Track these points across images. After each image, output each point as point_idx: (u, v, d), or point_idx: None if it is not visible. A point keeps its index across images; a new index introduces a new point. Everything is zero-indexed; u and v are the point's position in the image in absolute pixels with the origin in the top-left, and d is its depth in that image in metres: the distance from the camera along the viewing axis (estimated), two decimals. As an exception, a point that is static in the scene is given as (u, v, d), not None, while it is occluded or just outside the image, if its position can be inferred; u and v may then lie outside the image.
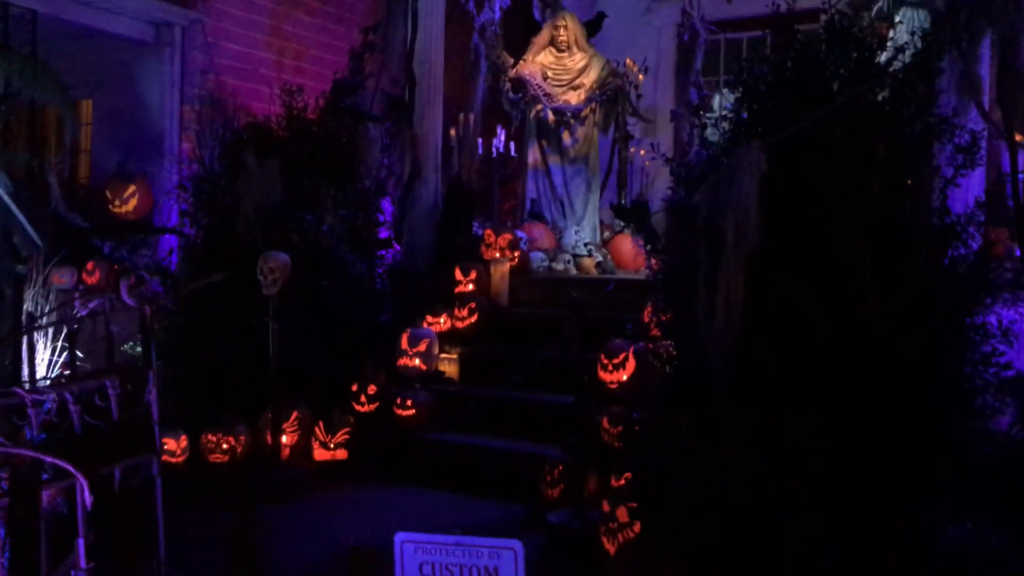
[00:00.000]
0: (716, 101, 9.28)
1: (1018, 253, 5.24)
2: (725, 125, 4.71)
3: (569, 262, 7.62)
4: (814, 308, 4.06)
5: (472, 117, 7.42)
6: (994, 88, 4.23)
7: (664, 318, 5.55)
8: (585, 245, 7.77)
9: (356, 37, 10.61)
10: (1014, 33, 4.18)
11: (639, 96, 8.40)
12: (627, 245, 8.04)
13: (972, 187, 4.95)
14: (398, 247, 7.34)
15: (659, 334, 5.54)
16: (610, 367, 5.51)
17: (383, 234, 7.16)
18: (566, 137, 7.86)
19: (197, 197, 6.43)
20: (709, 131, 5.12)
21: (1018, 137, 5.03)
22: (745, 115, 4.63)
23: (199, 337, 6.09)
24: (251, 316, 5.66)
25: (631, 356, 5.48)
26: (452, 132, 7.66)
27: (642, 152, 8.98)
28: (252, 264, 5.69)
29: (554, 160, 7.91)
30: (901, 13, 6.57)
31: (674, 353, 4.81)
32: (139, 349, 5.55)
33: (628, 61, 8.24)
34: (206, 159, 6.88)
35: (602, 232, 8.17)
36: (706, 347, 4.13)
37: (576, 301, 5.03)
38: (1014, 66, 4.25)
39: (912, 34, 4.42)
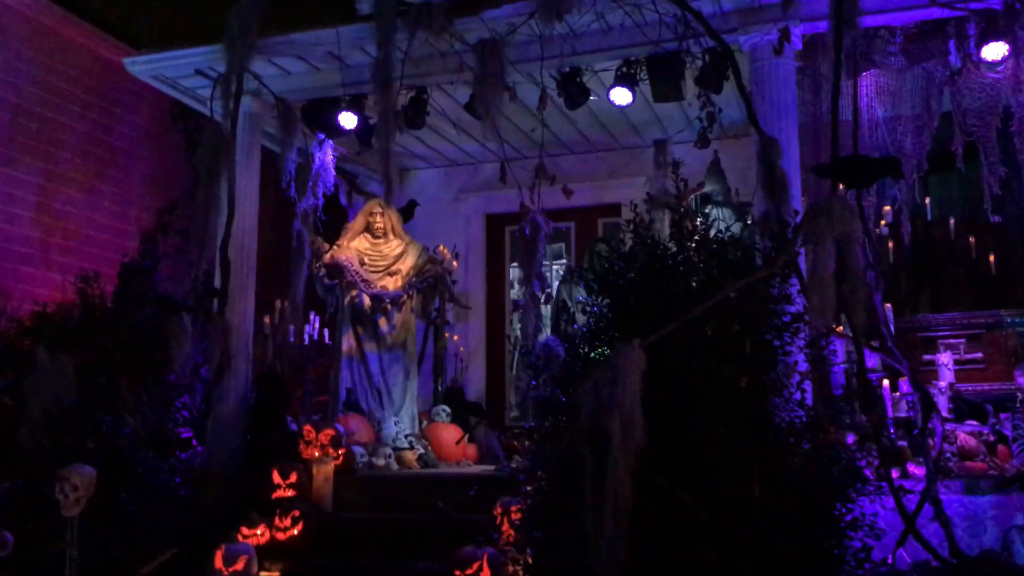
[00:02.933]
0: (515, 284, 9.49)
1: (850, 440, 5.47)
2: (583, 317, 4.66)
3: (390, 456, 7.14)
4: (700, 508, 3.93)
5: (289, 304, 6.97)
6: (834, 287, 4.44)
7: (515, 518, 5.27)
8: (406, 436, 7.36)
9: (145, 218, 9.97)
10: (850, 237, 4.44)
11: (454, 282, 8.34)
12: (448, 435, 7.72)
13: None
14: (200, 447, 6.59)
15: (512, 537, 5.21)
16: (463, 579, 5.05)
17: (185, 434, 6.41)
18: (383, 324, 7.57)
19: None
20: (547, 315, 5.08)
21: (839, 328, 5.35)
22: (597, 308, 4.59)
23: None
24: (40, 541, 4.73)
25: (485, 565, 5.05)
26: (267, 320, 7.15)
27: (455, 337, 8.88)
28: (39, 477, 4.84)
29: (371, 347, 7.56)
30: (708, 210, 7.04)
31: (533, 562, 4.51)
32: None
33: (441, 248, 8.21)
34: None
35: (420, 421, 7.81)
36: (593, 556, 3.86)
37: (444, 512, 4.61)
38: (850, 267, 4.50)
39: (761, 236, 4.62)
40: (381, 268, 7.65)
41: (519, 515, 5.21)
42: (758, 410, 4.24)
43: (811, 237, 4.43)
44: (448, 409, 7.97)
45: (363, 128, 6.85)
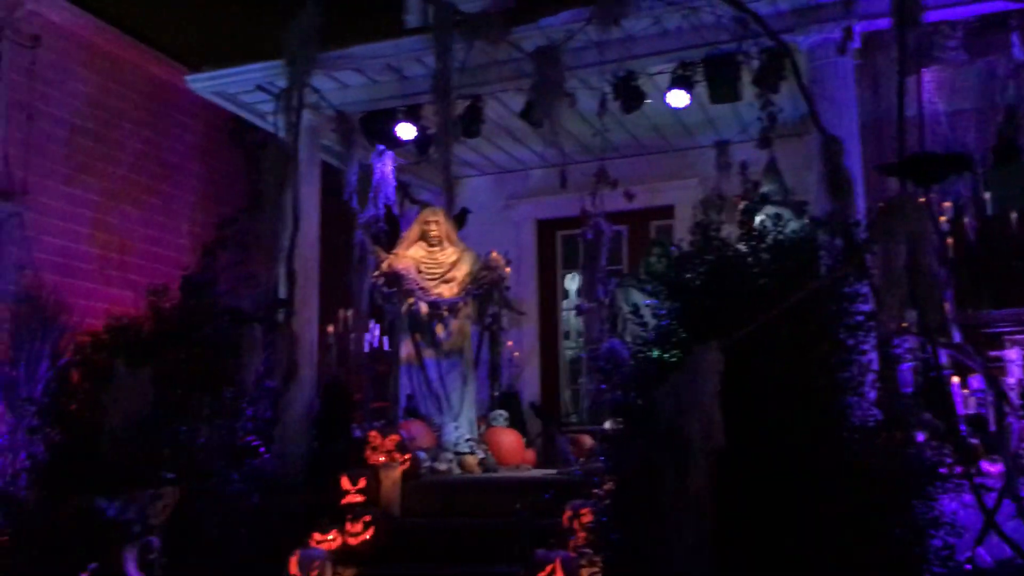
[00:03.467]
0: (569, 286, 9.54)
1: (920, 439, 5.43)
2: (652, 320, 4.68)
3: (452, 461, 7.21)
4: (781, 509, 3.94)
5: (353, 313, 7.07)
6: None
7: (585, 521, 5.30)
8: (466, 441, 7.42)
9: (200, 232, 10.16)
10: (921, 234, 4.42)
11: (507, 288, 8.40)
12: (507, 439, 7.78)
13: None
14: (267, 455, 6.70)
15: (584, 540, 5.23)
16: (537, 582, 5.08)
17: (253, 442, 6.51)
18: (440, 330, 7.64)
19: (46, 410, 5.62)
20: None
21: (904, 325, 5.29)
22: (664, 311, 4.60)
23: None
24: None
25: (559, 568, 5.08)
26: (330, 329, 7.25)
27: (509, 343, 8.93)
28: (120, 487, 4.96)
29: (429, 354, 7.63)
30: (765, 210, 7.02)
31: (610, 565, 4.53)
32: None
33: (494, 254, 8.26)
34: (43, 367, 6.10)
35: (478, 426, 7.87)
36: (675, 558, 3.88)
37: (523, 515, 4.66)
38: (923, 266, 4.48)
39: (832, 236, 4.62)
40: (437, 276, 7.73)
41: (589, 518, 5.24)
42: (835, 410, 4.25)
43: (883, 236, 4.42)
44: (506, 413, 8.02)
45: (420, 138, 6.94)
